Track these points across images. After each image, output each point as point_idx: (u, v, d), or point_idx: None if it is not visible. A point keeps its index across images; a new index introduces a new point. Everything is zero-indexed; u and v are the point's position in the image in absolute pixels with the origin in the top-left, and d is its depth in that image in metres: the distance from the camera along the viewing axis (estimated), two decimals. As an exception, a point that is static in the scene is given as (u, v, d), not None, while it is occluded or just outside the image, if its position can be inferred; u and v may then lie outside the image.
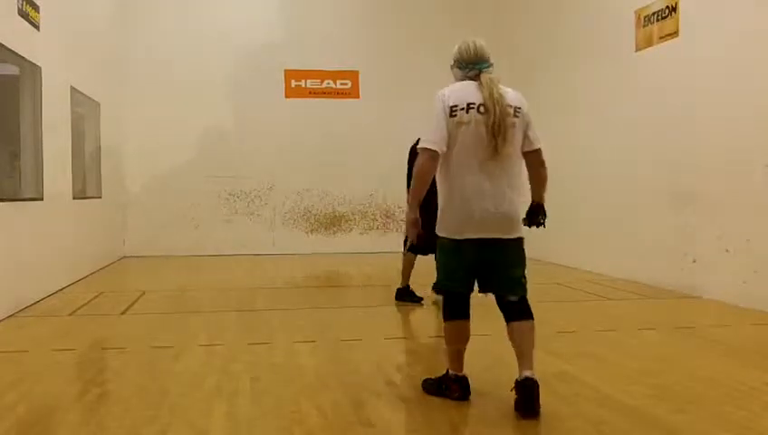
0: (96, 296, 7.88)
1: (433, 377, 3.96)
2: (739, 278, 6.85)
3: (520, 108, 3.67)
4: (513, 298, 3.70)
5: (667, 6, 8.09)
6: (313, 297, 8.40)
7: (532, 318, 3.71)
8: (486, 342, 4.71)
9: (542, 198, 3.84)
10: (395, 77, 13.06)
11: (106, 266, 10.73)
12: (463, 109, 3.59)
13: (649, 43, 8.46)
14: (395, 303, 7.25)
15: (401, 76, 13.06)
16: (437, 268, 3.86)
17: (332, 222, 13.20)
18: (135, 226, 12.46)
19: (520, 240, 3.72)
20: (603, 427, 3.48)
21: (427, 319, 6.69)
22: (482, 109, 3.58)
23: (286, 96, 13.01)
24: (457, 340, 3.83)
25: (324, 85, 13.14)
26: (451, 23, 13.15)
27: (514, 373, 3.61)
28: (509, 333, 3.73)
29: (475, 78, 3.70)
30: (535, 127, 3.75)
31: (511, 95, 3.68)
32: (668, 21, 8.08)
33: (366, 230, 13.28)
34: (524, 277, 3.74)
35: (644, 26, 8.56)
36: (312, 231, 13.14)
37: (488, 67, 3.73)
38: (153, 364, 4.89)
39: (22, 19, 7.16)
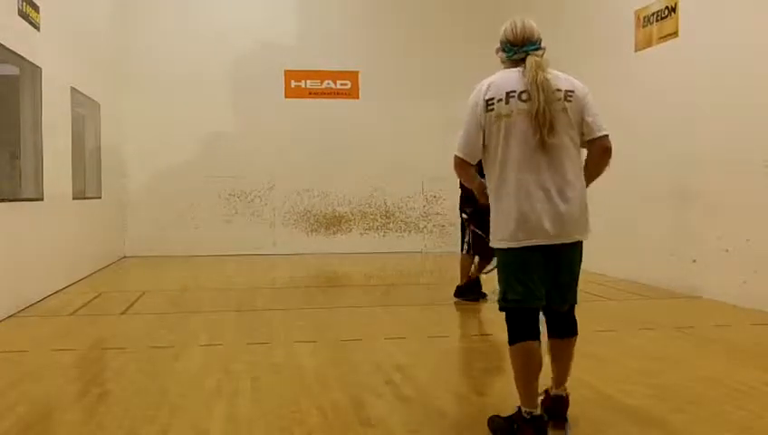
0: (96, 296, 7.88)
1: (502, 416, 3.34)
2: (739, 278, 6.85)
3: (572, 91, 3.23)
4: (563, 308, 3.35)
5: (667, 7, 8.09)
6: (313, 297, 8.41)
7: (576, 334, 3.43)
8: (482, 341, 4.70)
9: (587, 185, 3.33)
10: (395, 77, 13.07)
11: (106, 266, 10.74)
12: (501, 100, 3.18)
13: (649, 44, 8.46)
14: (454, 301, 7.22)
15: (401, 76, 13.08)
16: (499, 283, 3.36)
17: (332, 222, 13.20)
18: (135, 226, 12.46)
19: (580, 244, 3.30)
20: (603, 427, 3.48)
21: (428, 319, 6.68)
22: (524, 96, 3.16)
23: (286, 96, 13.01)
24: (526, 367, 3.19)
25: (324, 85, 13.14)
26: (451, 23, 13.19)
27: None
28: (551, 348, 3.42)
29: (521, 62, 3.26)
30: (598, 112, 3.28)
31: (561, 78, 3.26)
32: (668, 21, 8.08)
33: (366, 230, 13.28)
34: (577, 286, 3.37)
35: (644, 26, 8.56)
36: (312, 231, 13.14)
37: (537, 49, 3.28)
38: (153, 364, 4.88)
39: (22, 19, 7.16)
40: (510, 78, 3.25)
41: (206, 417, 3.65)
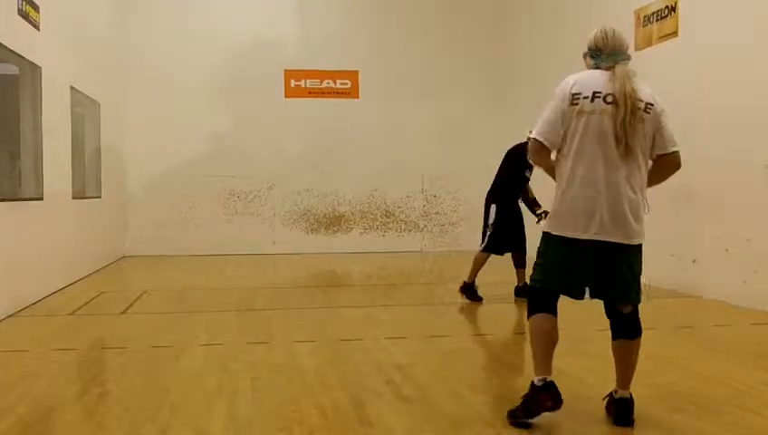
0: (96, 296, 7.88)
1: (515, 405, 3.45)
2: (739, 278, 6.84)
3: (652, 105, 3.39)
4: (626, 309, 3.45)
5: (667, 6, 8.09)
6: (313, 297, 8.40)
7: (641, 334, 3.51)
8: (482, 341, 4.70)
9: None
10: (395, 77, 13.07)
11: (106, 266, 10.73)
12: (587, 97, 3.34)
13: (649, 43, 8.46)
14: (459, 300, 7.21)
15: (401, 76, 13.08)
16: (535, 268, 3.53)
17: (332, 222, 13.20)
18: (135, 226, 12.45)
19: (639, 247, 3.41)
20: (603, 427, 3.49)
21: (428, 319, 6.68)
22: (609, 99, 3.31)
23: (286, 96, 13.00)
24: (541, 337, 3.41)
25: (324, 85, 13.13)
26: (451, 23, 13.19)
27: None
28: (614, 349, 3.52)
29: (609, 69, 3.42)
30: (672, 130, 3.47)
31: (645, 92, 3.41)
32: (668, 21, 8.08)
33: (366, 230, 13.28)
34: (640, 286, 3.46)
35: (644, 26, 8.56)
36: (311, 231, 13.14)
37: (625, 60, 3.46)
38: (153, 364, 4.89)
39: (22, 19, 7.16)
40: (597, 79, 3.41)
41: (206, 417, 3.65)
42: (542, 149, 3.43)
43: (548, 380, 3.35)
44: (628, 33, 8.71)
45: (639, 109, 3.34)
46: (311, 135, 12.95)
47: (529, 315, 3.49)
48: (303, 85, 13.08)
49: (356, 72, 13.17)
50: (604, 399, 3.60)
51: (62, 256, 8.29)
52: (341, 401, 3.88)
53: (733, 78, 6.99)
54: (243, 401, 3.91)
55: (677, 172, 3.62)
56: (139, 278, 10.25)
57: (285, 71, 12.97)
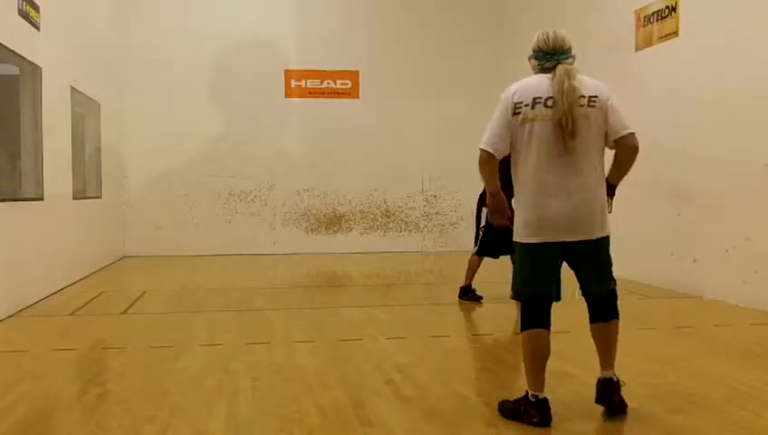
0: (96, 296, 7.88)
1: (511, 400, 3.58)
2: (739, 278, 6.85)
3: (596, 96, 3.42)
4: (600, 294, 3.57)
5: (667, 6, 8.09)
6: (313, 297, 8.40)
7: (618, 317, 3.62)
8: (482, 341, 4.70)
9: (616, 181, 3.59)
10: (395, 77, 13.08)
11: (106, 266, 10.74)
12: (528, 105, 3.41)
13: (649, 43, 8.46)
14: (458, 301, 7.24)
15: (401, 76, 13.08)
16: (513, 276, 3.61)
17: (332, 222, 13.20)
18: (135, 226, 12.45)
19: (605, 239, 3.50)
20: (602, 427, 3.49)
21: (428, 319, 6.68)
22: (549, 102, 3.38)
23: (286, 96, 13.01)
24: (535, 353, 3.47)
25: (324, 85, 13.13)
26: (451, 22, 13.20)
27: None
28: (593, 332, 3.64)
29: (552, 69, 3.47)
30: (623, 113, 3.48)
31: (588, 84, 3.44)
32: (668, 21, 8.08)
33: (366, 230, 13.28)
34: (611, 274, 3.60)
35: (644, 26, 8.57)
36: (311, 231, 13.14)
37: (567, 58, 3.49)
38: (153, 364, 4.89)
39: (22, 19, 7.16)
40: (538, 84, 3.46)
41: (206, 417, 3.65)
42: (491, 159, 3.48)
43: (541, 397, 3.42)
44: (628, 32, 8.80)
45: (582, 105, 3.37)
46: (311, 135, 12.95)
47: (522, 329, 3.52)
48: (303, 85, 13.08)
49: (356, 72, 13.17)
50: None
51: (62, 256, 8.29)
52: (341, 401, 3.88)
53: (733, 78, 6.99)
54: (243, 401, 3.91)
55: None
56: (139, 278, 10.25)
57: (285, 71, 12.97)
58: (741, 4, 7.02)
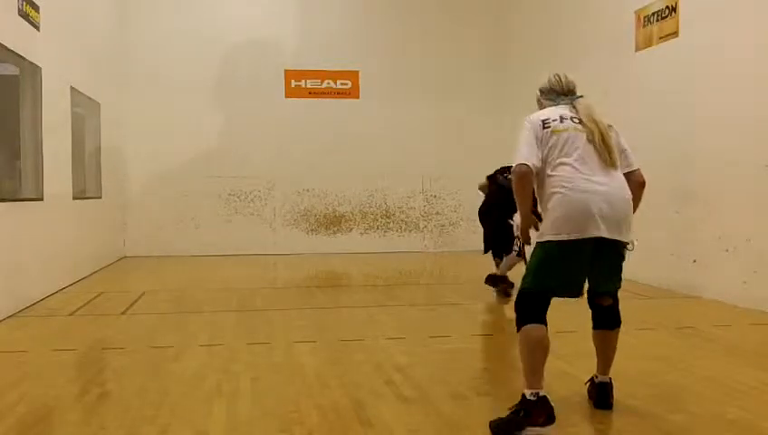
0: (96, 296, 7.88)
1: (500, 417, 3.37)
2: (739, 278, 6.85)
3: (612, 126, 3.64)
4: (606, 302, 3.68)
5: (667, 6, 8.09)
6: (313, 297, 8.40)
7: (620, 325, 3.73)
8: (482, 341, 4.70)
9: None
10: (395, 77, 13.08)
11: (106, 266, 10.74)
12: (555, 120, 3.54)
13: (649, 44, 8.46)
14: (490, 288, 7.45)
15: (401, 76, 13.09)
16: (528, 273, 3.53)
17: (332, 222, 13.20)
18: (135, 226, 12.45)
19: (619, 244, 3.56)
20: (603, 427, 3.49)
21: (428, 319, 6.68)
22: (576, 120, 3.56)
23: (286, 96, 13.00)
24: (536, 348, 3.37)
25: (324, 85, 13.13)
26: (451, 22, 13.20)
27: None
28: (595, 338, 3.75)
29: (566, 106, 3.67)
30: (629, 149, 3.71)
31: (605, 120, 3.63)
32: (668, 21, 8.08)
33: (366, 230, 13.27)
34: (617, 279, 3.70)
35: (644, 26, 8.56)
36: (311, 231, 13.14)
37: (579, 98, 3.69)
38: (153, 364, 4.88)
39: (22, 19, 7.16)
40: (558, 109, 3.63)
41: (206, 417, 3.65)
42: (529, 172, 3.49)
43: (541, 394, 3.30)
44: (628, 33, 8.81)
45: (609, 126, 3.60)
46: (311, 135, 12.94)
47: (519, 326, 3.46)
48: (303, 85, 13.08)
49: (356, 72, 13.16)
50: (586, 383, 3.83)
51: (62, 256, 8.29)
52: (341, 401, 3.89)
53: (733, 78, 6.99)
54: (243, 402, 3.91)
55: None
56: (139, 279, 10.24)
57: (285, 71, 12.97)
58: (741, 5, 7.02)
